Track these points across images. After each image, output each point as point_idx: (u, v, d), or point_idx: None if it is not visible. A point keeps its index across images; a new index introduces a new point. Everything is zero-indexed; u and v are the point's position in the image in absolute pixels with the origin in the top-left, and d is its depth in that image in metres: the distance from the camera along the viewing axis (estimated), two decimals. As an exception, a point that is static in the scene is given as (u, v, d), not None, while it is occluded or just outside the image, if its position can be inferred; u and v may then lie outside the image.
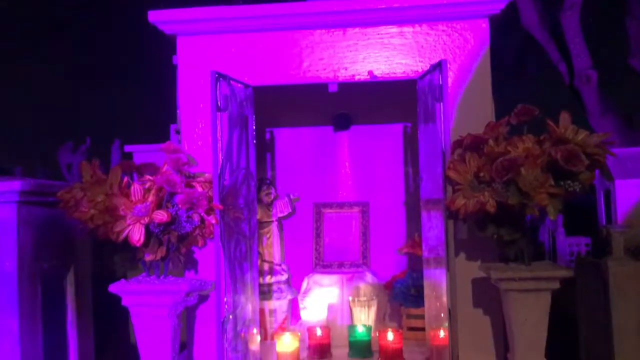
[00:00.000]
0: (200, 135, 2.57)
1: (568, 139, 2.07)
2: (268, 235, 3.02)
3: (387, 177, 3.13)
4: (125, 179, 2.20)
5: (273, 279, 2.96)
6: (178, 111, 2.74)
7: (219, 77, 2.30)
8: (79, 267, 2.82)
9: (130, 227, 2.09)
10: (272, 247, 3.02)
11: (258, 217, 2.80)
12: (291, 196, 3.10)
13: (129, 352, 3.01)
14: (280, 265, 3.03)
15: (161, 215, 2.10)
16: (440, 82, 2.20)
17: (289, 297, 2.98)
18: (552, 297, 2.21)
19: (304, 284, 2.96)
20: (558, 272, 2.20)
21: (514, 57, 8.33)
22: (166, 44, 2.73)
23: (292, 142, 3.19)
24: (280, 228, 3.12)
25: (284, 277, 3.01)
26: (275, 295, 2.94)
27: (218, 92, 2.28)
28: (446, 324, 2.26)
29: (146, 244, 2.14)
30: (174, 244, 2.20)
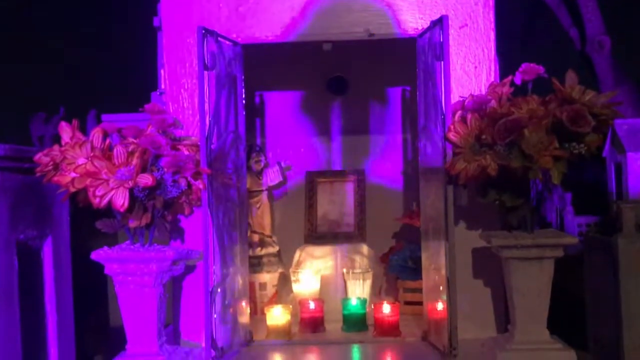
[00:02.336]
0: (186, 97, 2.60)
1: (574, 99, 2.13)
2: (258, 205, 3.08)
3: (384, 145, 3.19)
4: (108, 140, 2.24)
5: (263, 251, 3.03)
6: (160, 72, 2.76)
7: (206, 33, 2.33)
8: (58, 237, 2.86)
9: (114, 191, 2.12)
10: (263, 218, 3.09)
11: (247, 185, 2.85)
12: (282, 164, 3.14)
13: (111, 328, 3.08)
14: (271, 236, 3.10)
15: (146, 179, 2.13)
16: (441, 39, 2.24)
17: (280, 270, 3.05)
18: (558, 278, 2.27)
19: (296, 256, 3.03)
20: (562, 239, 2.28)
21: (522, 22, 8.32)
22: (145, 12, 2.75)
23: (283, 106, 3.23)
24: (271, 198, 3.17)
25: (275, 249, 3.08)
26: (265, 268, 3.01)
27: (205, 49, 2.31)
28: (444, 296, 2.33)
29: (130, 209, 2.18)
30: (159, 210, 2.24)
